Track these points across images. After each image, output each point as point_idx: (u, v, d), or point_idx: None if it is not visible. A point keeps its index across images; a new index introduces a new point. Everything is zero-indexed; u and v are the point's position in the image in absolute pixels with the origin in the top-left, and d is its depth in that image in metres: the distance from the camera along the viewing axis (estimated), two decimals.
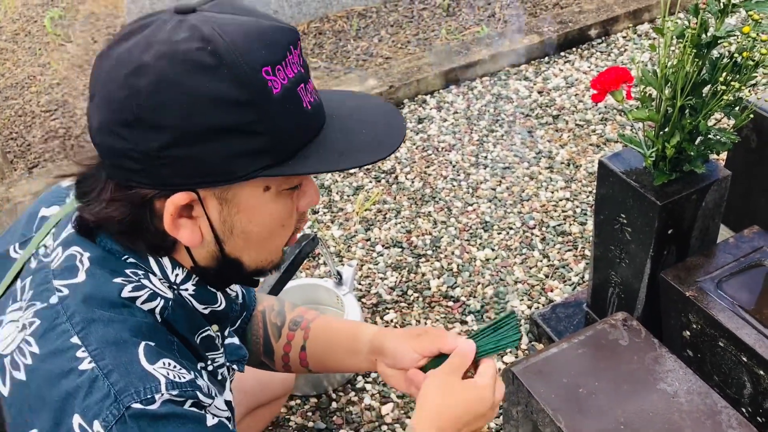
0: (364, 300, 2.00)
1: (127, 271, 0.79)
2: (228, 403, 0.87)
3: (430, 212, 2.28)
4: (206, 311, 0.87)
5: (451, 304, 1.98)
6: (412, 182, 2.39)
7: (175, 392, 0.72)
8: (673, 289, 1.41)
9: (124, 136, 0.71)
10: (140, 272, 0.79)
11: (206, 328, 0.87)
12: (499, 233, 2.19)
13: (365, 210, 2.29)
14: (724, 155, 1.88)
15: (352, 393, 1.76)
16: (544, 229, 2.19)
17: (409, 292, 2.02)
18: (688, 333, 1.43)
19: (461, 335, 1.03)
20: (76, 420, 0.70)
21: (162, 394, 0.71)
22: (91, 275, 0.77)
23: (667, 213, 1.41)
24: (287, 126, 0.73)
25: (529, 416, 1.29)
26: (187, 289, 0.83)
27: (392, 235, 2.20)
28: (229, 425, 0.80)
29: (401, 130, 0.80)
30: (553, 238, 2.15)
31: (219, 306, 0.88)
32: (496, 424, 1.66)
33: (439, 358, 1.01)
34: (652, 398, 1.21)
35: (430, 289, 2.02)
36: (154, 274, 0.80)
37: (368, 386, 1.77)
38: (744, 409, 1.34)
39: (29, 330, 0.75)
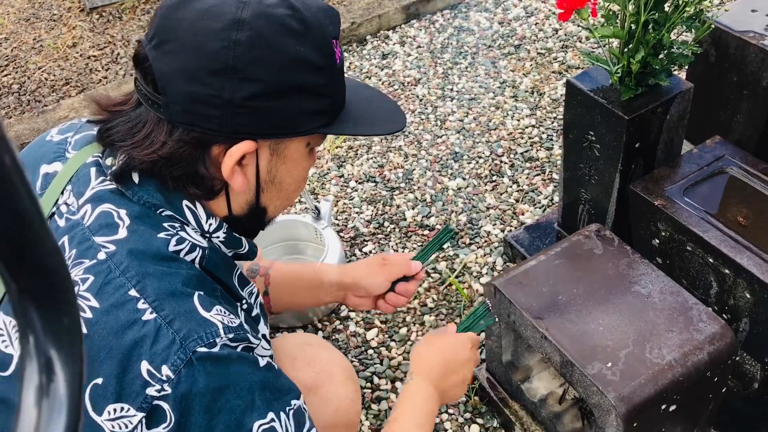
0: (342, 234, 2.03)
1: (165, 225, 0.82)
2: (265, 337, 0.91)
3: (400, 146, 2.30)
4: (231, 254, 0.92)
5: (426, 232, 2.03)
6: None
7: (231, 335, 0.76)
8: (641, 199, 1.47)
9: (210, 83, 0.76)
10: (176, 225, 0.83)
11: (238, 267, 0.92)
12: (469, 163, 2.23)
13: (336, 147, 2.31)
14: (684, 72, 1.93)
15: (337, 321, 1.81)
16: (512, 156, 2.23)
17: (386, 224, 2.06)
18: (657, 241, 1.50)
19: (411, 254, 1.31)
20: (144, 366, 0.72)
21: (221, 338, 0.75)
22: (134, 231, 0.79)
23: (634, 127, 1.46)
24: (341, 92, 0.87)
25: (512, 326, 1.36)
26: (218, 237, 0.88)
27: (365, 171, 2.23)
28: (275, 364, 0.83)
29: (403, 115, 0.94)
30: (521, 164, 2.20)
31: (243, 249, 0.93)
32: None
33: (399, 280, 1.29)
34: (627, 299, 1.28)
35: (405, 219, 2.07)
36: (189, 225, 0.84)
37: (352, 314, 1.82)
38: (711, 308, 1.43)
39: (84, 286, 0.76)
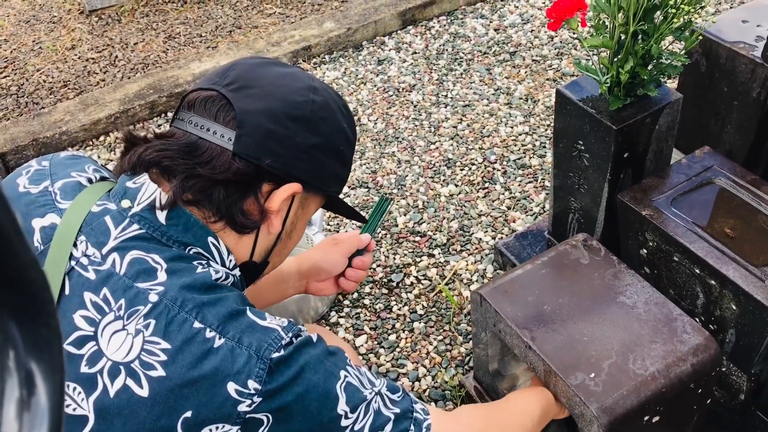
0: None
1: (195, 263, 0.86)
2: None
3: (393, 152, 2.31)
4: None
5: (418, 239, 2.03)
6: (375, 123, 2.42)
7: (290, 333, 0.84)
8: (629, 209, 1.47)
9: (287, 126, 0.91)
10: (204, 261, 0.87)
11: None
12: (461, 169, 2.23)
13: None
14: (675, 82, 1.93)
15: (327, 327, 1.81)
16: (505, 163, 2.24)
17: (377, 229, 2.06)
18: (644, 251, 1.50)
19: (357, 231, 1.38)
20: (231, 387, 0.78)
21: (284, 338, 0.83)
22: (174, 271, 0.83)
23: (622, 137, 1.46)
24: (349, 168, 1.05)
25: (498, 335, 1.36)
26: (235, 275, 0.95)
27: (358, 176, 2.23)
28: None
29: None
30: (513, 172, 2.20)
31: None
32: (466, 349, 1.73)
33: (354, 254, 1.36)
34: (612, 310, 1.28)
35: (397, 225, 2.07)
36: (215, 261, 0.90)
37: (342, 320, 1.83)
38: (697, 319, 1.43)
39: (148, 332, 0.79)
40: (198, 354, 0.78)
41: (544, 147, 2.27)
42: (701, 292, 1.40)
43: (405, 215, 2.10)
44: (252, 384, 0.78)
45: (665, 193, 1.49)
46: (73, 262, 0.83)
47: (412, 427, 0.93)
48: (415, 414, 0.95)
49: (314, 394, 0.83)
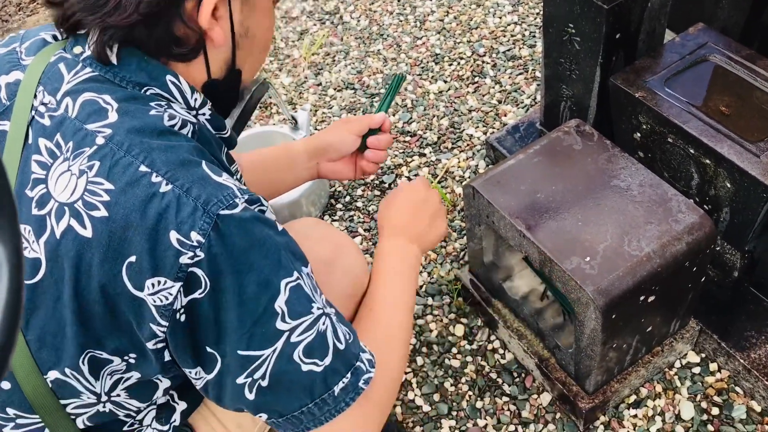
0: None
1: (153, 104, 0.81)
2: None
3: (379, 50, 2.24)
4: (216, 137, 0.92)
5: (408, 138, 2.00)
6: (358, 21, 2.33)
7: (246, 197, 0.78)
8: (622, 92, 1.44)
9: None
10: (163, 102, 0.82)
11: (224, 147, 0.93)
12: (450, 64, 2.17)
13: (313, 54, 2.24)
14: None
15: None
16: (494, 55, 2.17)
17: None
18: (638, 134, 1.47)
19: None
20: (173, 236, 0.73)
21: (239, 198, 0.76)
22: (125, 112, 0.78)
23: (614, 16, 1.41)
24: None
25: (492, 227, 1.35)
26: (204, 114, 0.88)
27: (343, 77, 2.17)
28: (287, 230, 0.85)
29: None
30: (503, 64, 2.14)
31: (225, 132, 0.94)
32: (461, 245, 1.73)
33: (367, 134, 1.32)
34: (606, 194, 1.27)
35: None
36: (176, 102, 0.84)
37: (336, 223, 1.82)
38: (692, 200, 1.42)
39: (91, 173, 0.76)
40: (142, 197, 0.73)
41: (534, 36, 2.20)
42: (696, 173, 1.39)
43: (394, 115, 2.05)
44: (195, 236, 0.73)
45: (658, 74, 1.44)
46: (33, 112, 0.82)
47: (349, 376, 0.85)
48: (358, 363, 0.87)
49: (255, 277, 0.76)
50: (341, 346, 0.85)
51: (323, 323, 0.83)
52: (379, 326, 1.05)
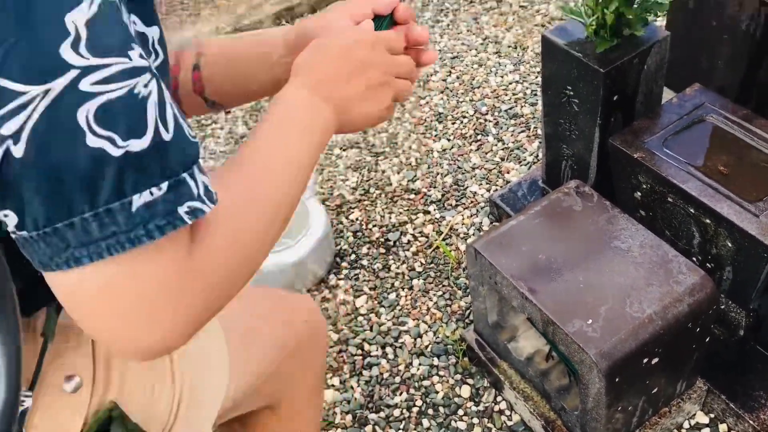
0: (327, 202, 2.03)
1: None
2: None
3: None
4: None
5: (413, 196, 2.02)
6: None
7: None
8: (621, 152, 1.46)
9: None
10: None
11: None
12: (453, 123, 2.21)
13: None
14: (663, 19, 1.89)
15: (326, 291, 1.81)
16: (496, 113, 2.21)
17: (371, 189, 2.05)
18: (638, 194, 1.49)
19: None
20: None
21: None
22: None
23: (611, 79, 1.44)
24: None
25: (494, 287, 1.36)
26: None
27: (349, 137, 2.21)
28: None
29: None
30: (506, 122, 2.18)
31: None
32: (466, 303, 1.74)
33: (378, 25, 0.81)
34: (607, 256, 1.28)
35: (391, 184, 2.06)
36: None
37: (341, 282, 1.83)
38: (694, 258, 1.42)
39: None
40: None
41: (535, 95, 2.24)
42: (697, 232, 1.40)
43: (398, 173, 2.08)
44: None
45: (657, 134, 1.47)
46: None
47: (164, 187, 0.53)
48: (186, 176, 0.54)
49: None
50: (166, 135, 0.53)
51: (146, 85, 0.52)
52: (251, 176, 0.66)
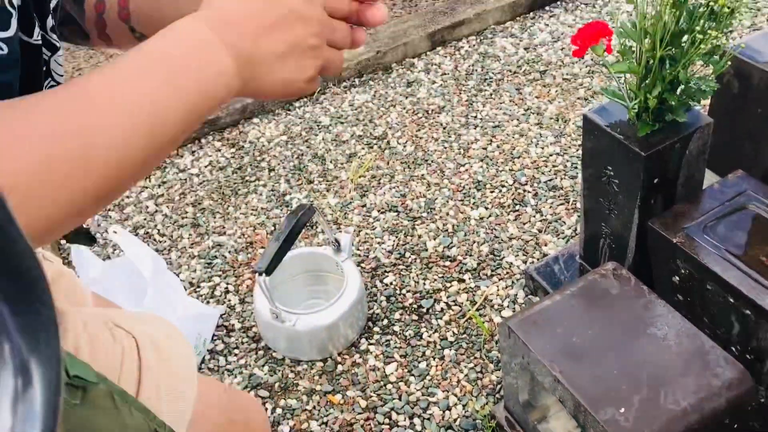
0: (363, 265, 2.04)
1: None
2: None
3: (423, 175, 2.31)
4: None
5: (448, 263, 2.02)
6: (404, 146, 2.42)
7: None
8: (660, 236, 1.45)
9: None
10: None
11: None
12: (491, 191, 2.22)
13: (359, 177, 2.32)
14: (707, 103, 1.90)
15: (357, 355, 1.81)
16: (535, 184, 2.22)
17: (407, 254, 2.07)
18: (677, 278, 1.47)
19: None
20: None
21: None
22: None
23: (652, 163, 1.44)
24: None
25: (527, 367, 1.35)
26: None
27: (387, 200, 2.23)
28: None
29: None
30: (545, 193, 2.19)
31: None
32: (497, 377, 1.72)
33: None
34: (642, 343, 1.26)
35: (427, 250, 2.07)
36: None
37: (372, 348, 1.83)
38: (733, 348, 1.39)
39: None
40: None
41: (576, 168, 2.25)
42: (736, 322, 1.37)
43: (435, 239, 2.09)
44: None
45: (697, 220, 1.46)
46: None
47: None
48: None
49: None
50: None
51: None
52: (74, 110, 0.49)
